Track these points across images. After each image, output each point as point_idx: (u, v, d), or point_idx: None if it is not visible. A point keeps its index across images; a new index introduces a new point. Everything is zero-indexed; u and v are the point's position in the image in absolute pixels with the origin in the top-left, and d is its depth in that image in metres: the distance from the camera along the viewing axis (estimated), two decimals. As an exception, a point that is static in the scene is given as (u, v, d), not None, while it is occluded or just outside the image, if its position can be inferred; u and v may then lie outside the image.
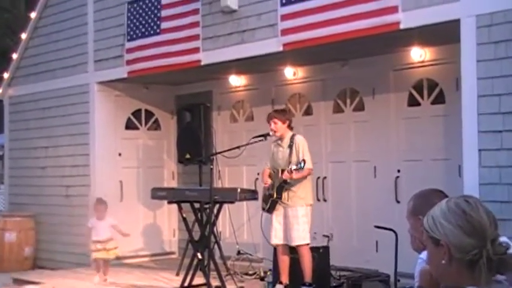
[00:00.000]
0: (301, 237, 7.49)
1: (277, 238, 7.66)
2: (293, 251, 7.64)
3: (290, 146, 7.62)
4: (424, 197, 3.00)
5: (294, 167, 7.36)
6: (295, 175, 7.40)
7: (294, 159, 7.55)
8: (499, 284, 2.09)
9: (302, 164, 7.33)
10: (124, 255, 10.64)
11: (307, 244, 7.55)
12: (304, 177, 7.58)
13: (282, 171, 7.50)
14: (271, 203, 7.62)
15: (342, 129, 9.27)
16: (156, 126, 11.44)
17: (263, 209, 7.81)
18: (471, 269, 2.05)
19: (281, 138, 7.73)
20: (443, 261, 2.08)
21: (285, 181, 7.50)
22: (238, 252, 9.58)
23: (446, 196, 3.04)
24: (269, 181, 7.65)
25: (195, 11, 8.95)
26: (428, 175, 8.10)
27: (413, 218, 2.97)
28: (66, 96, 11.06)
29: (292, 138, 7.65)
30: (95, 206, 9.06)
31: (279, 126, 7.69)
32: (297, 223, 7.49)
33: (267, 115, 7.94)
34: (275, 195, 7.55)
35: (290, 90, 9.94)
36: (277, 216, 7.65)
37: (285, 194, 7.55)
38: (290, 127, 7.79)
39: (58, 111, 11.21)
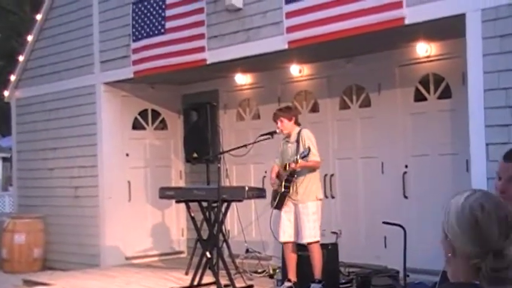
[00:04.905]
0: (312, 234, 7.46)
1: (286, 235, 7.63)
2: (301, 248, 7.64)
3: (297, 141, 7.62)
4: None
5: (297, 156, 7.34)
6: (301, 163, 7.35)
7: (301, 152, 7.55)
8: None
9: (307, 152, 7.31)
10: (133, 255, 10.69)
11: (318, 241, 7.55)
12: (313, 170, 7.55)
13: (289, 164, 7.47)
14: (279, 198, 7.57)
15: (348, 126, 9.26)
16: (163, 125, 11.45)
17: (272, 206, 7.80)
18: (475, 272, 2.02)
19: (289, 135, 7.73)
20: (449, 254, 2.08)
21: (291, 173, 7.47)
22: (247, 251, 9.59)
23: None
24: (277, 181, 7.64)
25: (200, 10, 8.96)
26: (436, 170, 8.08)
27: None
28: (72, 97, 11.09)
29: (299, 133, 7.65)
30: None
31: (285, 124, 7.69)
32: (308, 220, 7.46)
33: (272, 114, 7.93)
34: (282, 189, 7.52)
35: (296, 88, 9.93)
36: (286, 213, 7.62)
37: (293, 190, 7.51)
38: (297, 123, 7.79)
39: (65, 112, 11.24)
